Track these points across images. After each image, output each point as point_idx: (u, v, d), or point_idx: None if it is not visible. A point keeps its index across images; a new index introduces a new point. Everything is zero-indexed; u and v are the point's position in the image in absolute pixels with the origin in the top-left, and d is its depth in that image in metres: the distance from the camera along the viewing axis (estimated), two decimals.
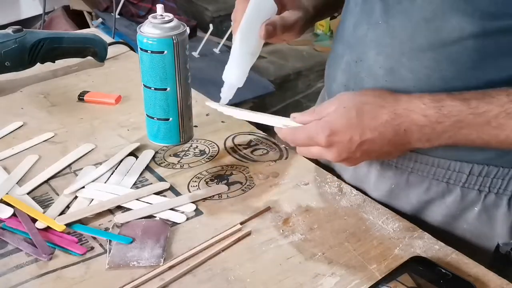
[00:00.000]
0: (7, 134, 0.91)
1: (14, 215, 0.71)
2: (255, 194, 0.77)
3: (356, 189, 0.78)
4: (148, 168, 0.83)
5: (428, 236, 0.69)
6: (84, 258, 0.65)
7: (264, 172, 0.82)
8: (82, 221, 0.71)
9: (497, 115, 0.61)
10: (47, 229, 0.69)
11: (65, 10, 2.60)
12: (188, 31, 0.85)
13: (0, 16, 2.33)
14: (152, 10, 2.52)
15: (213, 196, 0.76)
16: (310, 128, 0.68)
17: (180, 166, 0.84)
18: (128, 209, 0.74)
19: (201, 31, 2.68)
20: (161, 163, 0.84)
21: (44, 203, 0.74)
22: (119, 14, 2.44)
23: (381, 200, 0.77)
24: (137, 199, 0.75)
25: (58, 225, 0.69)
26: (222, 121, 0.95)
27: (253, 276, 0.63)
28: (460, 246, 0.68)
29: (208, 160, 0.85)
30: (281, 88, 2.71)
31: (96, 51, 1.13)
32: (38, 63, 1.07)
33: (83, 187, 0.77)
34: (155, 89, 0.84)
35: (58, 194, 0.76)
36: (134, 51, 1.23)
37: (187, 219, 0.72)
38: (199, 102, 1.00)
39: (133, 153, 0.86)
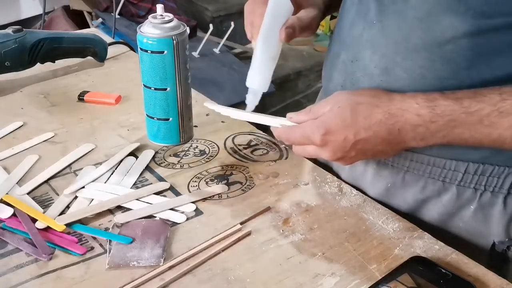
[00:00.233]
0: (7, 134, 0.91)
1: (14, 215, 0.71)
2: (255, 194, 0.77)
3: (358, 189, 0.78)
4: (148, 168, 0.83)
5: (428, 236, 0.69)
6: (84, 258, 0.65)
7: (264, 172, 0.82)
8: (82, 221, 0.71)
9: (489, 113, 0.61)
10: (47, 229, 0.69)
11: (65, 10, 2.60)
12: (188, 31, 0.85)
13: (0, 16, 2.33)
14: (152, 10, 2.52)
15: (213, 196, 0.76)
16: (305, 127, 0.68)
17: (180, 166, 0.84)
18: (128, 209, 0.74)
19: (201, 31, 2.67)
20: (161, 163, 0.84)
21: (44, 203, 0.74)
22: (119, 14, 2.44)
23: (377, 199, 0.77)
24: (137, 199, 0.75)
25: (58, 225, 0.69)
26: (222, 121, 0.95)
27: (253, 276, 0.63)
28: (456, 244, 0.68)
29: (208, 160, 0.85)
30: (281, 88, 2.71)
31: (96, 51, 1.13)
32: (38, 63, 1.07)
33: (83, 187, 0.77)
34: (155, 89, 0.84)
35: (58, 194, 0.76)
36: (134, 51, 1.23)
37: (187, 219, 0.72)
38: (199, 102, 1.00)
39: (133, 153, 0.86)
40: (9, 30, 1.02)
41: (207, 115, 0.97)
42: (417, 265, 0.63)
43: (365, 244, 0.68)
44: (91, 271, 0.64)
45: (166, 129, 0.87)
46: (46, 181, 0.79)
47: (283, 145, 0.88)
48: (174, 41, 0.81)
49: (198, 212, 0.73)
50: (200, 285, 0.62)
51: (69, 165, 0.83)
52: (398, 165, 0.75)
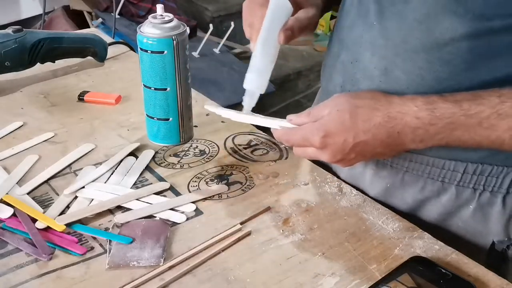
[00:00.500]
0: (7, 134, 0.91)
1: (14, 215, 0.71)
2: (255, 194, 0.77)
3: (358, 189, 0.78)
4: (148, 168, 0.83)
5: (428, 236, 0.69)
6: (84, 258, 0.65)
7: (264, 172, 0.82)
8: (82, 221, 0.71)
9: (488, 116, 0.62)
10: (47, 229, 0.69)
11: (65, 10, 2.60)
12: (188, 31, 0.85)
13: (0, 16, 2.33)
14: (152, 10, 2.52)
15: (213, 196, 0.76)
16: (305, 129, 0.69)
17: (180, 166, 0.84)
18: (128, 209, 0.74)
19: (201, 31, 2.68)
20: (161, 163, 0.84)
21: (44, 203, 0.74)
22: (119, 14, 2.44)
23: (376, 199, 0.77)
24: (137, 199, 0.75)
25: (58, 225, 0.69)
26: (222, 121, 0.95)
27: (253, 276, 0.63)
28: (456, 244, 0.68)
29: (208, 160, 0.85)
30: (281, 88, 2.71)
31: (96, 51, 1.13)
32: (38, 63, 1.07)
33: (83, 187, 0.77)
34: (155, 89, 0.84)
35: (58, 194, 0.76)
36: (134, 51, 1.23)
37: (187, 219, 0.72)
38: (199, 102, 1.00)
39: (133, 153, 0.86)
40: (9, 30, 1.02)
41: (207, 115, 0.97)
42: (417, 265, 0.63)
43: (365, 244, 0.68)
44: (91, 271, 0.64)
45: (166, 129, 0.87)
46: (46, 181, 0.79)
47: (283, 145, 0.88)
48: (174, 41, 0.81)
49: (198, 212, 0.73)
50: (200, 285, 0.62)
51: (69, 165, 0.83)
52: (397, 165, 0.75)
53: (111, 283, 0.62)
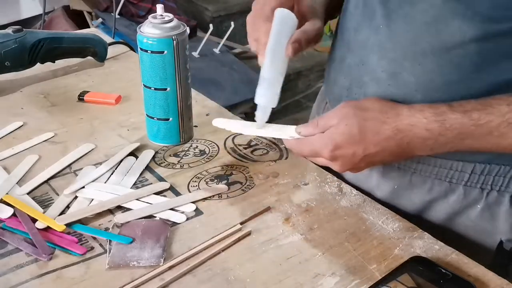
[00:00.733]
0: (7, 134, 0.91)
1: (14, 215, 0.71)
2: (255, 194, 0.77)
3: (358, 189, 0.78)
4: (148, 168, 0.83)
5: (428, 236, 0.69)
6: (84, 258, 0.65)
7: (264, 172, 0.82)
8: (82, 221, 0.71)
9: (498, 125, 0.62)
10: (47, 229, 0.69)
11: (65, 10, 2.60)
12: (188, 31, 0.85)
13: (0, 16, 2.33)
14: (152, 10, 2.52)
15: (213, 196, 0.76)
16: (315, 142, 0.69)
17: (180, 166, 0.84)
18: (128, 209, 0.74)
19: (201, 31, 2.68)
20: (161, 163, 0.84)
21: (44, 203, 0.74)
22: (119, 14, 2.44)
23: (383, 200, 0.77)
24: (137, 199, 0.75)
25: (58, 225, 0.69)
26: None
27: (253, 276, 0.63)
28: (463, 243, 0.68)
29: (208, 160, 0.85)
30: (281, 88, 2.71)
31: (96, 51, 1.13)
32: (38, 63, 1.07)
33: (83, 187, 0.77)
34: (155, 89, 0.84)
35: (58, 194, 0.76)
36: (134, 51, 1.23)
37: (187, 219, 0.72)
38: (199, 102, 1.01)
39: (133, 153, 0.86)
40: (9, 30, 1.02)
41: (207, 115, 0.97)
42: (417, 265, 0.63)
43: (365, 244, 0.68)
44: (91, 271, 0.64)
45: (166, 129, 0.87)
46: (46, 181, 0.79)
47: (283, 145, 0.88)
48: (174, 41, 0.81)
49: (198, 212, 0.73)
50: (200, 285, 0.62)
51: (69, 165, 0.83)
52: (404, 167, 0.75)
53: (111, 283, 0.62)
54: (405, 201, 0.77)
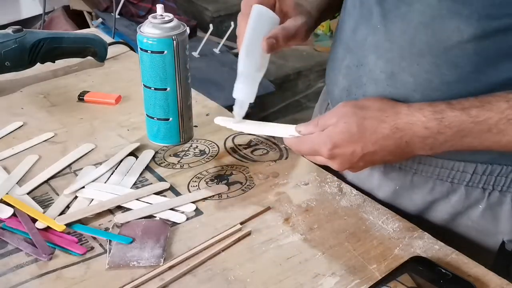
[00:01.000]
0: (7, 134, 0.91)
1: (14, 215, 0.71)
2: (255, 194, 0.77)
3: (359, 190, 0.78)
4: (148, 168, 0.83)
5: (428, 236, 0.69)
6: (84, 258, 0.65)
7: (264, 172, 0.82)
8: (82, 221, 0.71)
9: (497, 122, 0.62)
10: (47, 229, 0.69)
11: (65, 10, 2.60)
12: (188, 31, 0.85)
13: (0, 16, 2.33)
14: (152, 10, 2.52)
15: (213, 196, 0.76)
16: (313, 140, 0.69)
17: (180, 166, 0.84)
18: (128, 209, 0.74)
19: (201, 31, 2.68)
20: (161, 163, 0.84)
21: (44, 203, 0.74)
22: (119, 14, 2.44)
23: (385, 201, 0.77)
24: (137, 199, 0.75)
25: (58, 225, 0.69)
26: None
27: (253, 276, 0.63)
28: (465, 244, 0.68)
29: (208, 160, 0.85)
30: (281, 88, 2.71)
31: (96, 51, 1.13)
32: (38, 63, 1.07)
33: (83, 187, 0.77)
34: (155, 89, 0.84)
35: (58, 194, 0.76)
36: (134, 51, 1.23)
37: (187, 219, 0.72)
38: (199, 102, 1.01)
39: (133, 153, 0.86)
40: (9, 30, 1.02)
41: (207, 115, 0.97)
42: (417, 265, 0.63)
43: (365, 244, 0.68)
44: (91, 271, 0.64)
45: (166, 129, 0.87)
46: (46, 181, 0.79)
47: (283, 145, 0.88)
48: (174, 41, 0.81)
49: (198, 212, 0.73)
50: (200, 285, 0.62)
51: (69, 165, 0.83)
52: (406, 167, 0.75)
53: (111, 283, 0.62)
54: (407, 201, 0.76)
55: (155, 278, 0.63)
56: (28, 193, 0.76)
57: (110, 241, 0.68)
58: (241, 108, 0.76)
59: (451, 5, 0.63)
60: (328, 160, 0.69)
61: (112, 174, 0.81)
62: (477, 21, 0.62)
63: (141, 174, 0.81)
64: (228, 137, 0.91)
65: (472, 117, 0.62)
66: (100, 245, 0.68)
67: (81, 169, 0.82)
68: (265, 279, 0.63)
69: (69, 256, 0.66)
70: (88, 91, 1.03)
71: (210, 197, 0.76)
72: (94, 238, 0.68)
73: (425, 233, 0.69)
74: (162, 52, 0.81)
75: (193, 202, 0.75)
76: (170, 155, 0.86)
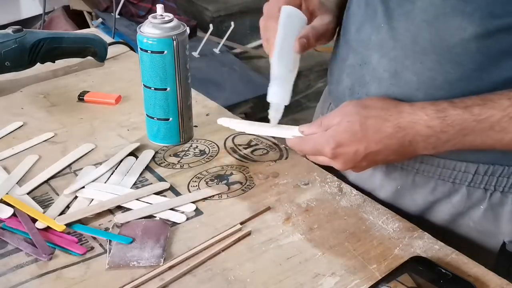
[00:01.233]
0: (7, 134, 0.91)
1: (14, 215, 0.71)
2: (255, 194, 0.77)
3: (361, 190, 0.78)
4: (148, 168, 0.83)
5: (428, 236, 0.69)
6: (84, 258, 0.65)
7: (264, 172, 0.82)
8: (82, 221, 0.71)
9: (499, 119, 0.62)
10: (47, 229, 0.69)
11: (65, 10, 2.60)
12: (188, 31, 0.85)
13: (0, 16, 2.33)
14: (152, 10, 2.52)
15: (213, 196, 0.76)
16: (316, 139, 0.69)
17: (180, 166, 0.84)
18: (128, 209, 0.74)
19: (201, 31, 2.68)
20: (161, 163, 0.84)
21: (44, 203, 0.74)
22: (119, 14, 2.44)
23: (386, 201, 0.77)
24: (137, 199, 0.75)
25: (58, 225, 0.69)
26: None
27: (253, 276, 0.63)
28: (465, 244, 0.68)
29: (208, 160, 0.85)
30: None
31: (96, 51, 1.13)
32: (38, 63, 1.07)
33: (83, 187, 0.77)
34: (155, 89, 0.84)
35: (58, 194, 0.76)
36: (134, 51, 1.23)
37: (187, 219, 0.72)
38: (199, 102, 1.01)
39: (133, 153, 0.86)
40: (9, 30, 1.02)
41: (207, 115, 0.97)
42: (417, 265, 0.63)
43: (365, 244, 0.68)
44: (91, 271, 0.64)
45: (166, 129, 0.87)
46: (46, 181, 0.79)
47: (283, 145, 0.88)
48: (174, 41, 0.81)
49: (198, 212, 0.73)
50: (200, 285, 0.62)
51: (69, 165, 0.83)
52: (407, 167, 0.75)
53: (111, 283, 0.62)
54: (408, 201, 0.76)
55: (155, 278, 0.63)
56: (28, 193, 0.76)
57: (110, 241, 0.68)
58: (276, 111, 0.75)
59: (454, 3, 0.63)
60: (331, 160, 0.69)
61: (112, 174, 0.81)
62: (479, 19, 0.62)
63: (141, 174, 0.81)
64: (228, 137, 0.91)
65: (474, 115, 0.62)
66: (100, 245, 0.68)
67: (81, 169, 0.82)
68: (265, 279, 0.63)
69: (69, 256, 0.66)
70: (88, 91, 1.03)
71: (210, 197, 0.76)
72: (94, 238, 0.68)
73: (425, 233, 0.69)
74: (162, 52, 0.81)
75: (193, 202, 0.75)
76: (170, 155, 0.86)
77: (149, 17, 0.82)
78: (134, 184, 0.79)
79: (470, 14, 0.62)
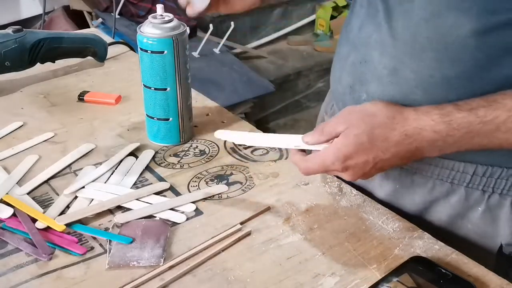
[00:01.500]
0: (7, 134, 0.91)
1: (14, 215, 0.71)
2: (255, 194, 0.77)
3: (360, 190, 0.78)
4: (148, 168, 0.83)
5: (428, 236, 0.69)
6: (84, 258, 0.66)
7: (264, 172, 0.82)
8: (82, 221, 0.71)
9: (505, 120, 0.61)
10: (47, 229, 0.69)
11: (65, 10, 2.60)
12: (188, 31, 0.85)
13: (0, 16, 2.33)
14: (152, 10, 2.52)
15: (213, 196, 0.76)
16: (324, 157, 0.67)
17: (180, 166, 0.84)
18: (128, 209, 0.74)
19: (201, 31, 2.67)
20: (161, 163, 0.84)
21: (44, 203, 0.74)
22: (119, 14, 2.44)
23: (385, 200, 0.77)
24: (137, 199, 0.75)
25: (58, 225, 0.69)
26: (222, 121, 0.95)
27: (253, 276, 0.63)
28: (464, 246, 0.68)
29: (208, 160, 0.85)
30: (281, 88, 2.70)
31: (96, 51, 1.13)
32: (38, 63, 1.07)
33: (83, 187, 0.77)
34: (155, 89, 0.84)
35: (58, 194, 0.76)
36: (134, 51, 1.23)
37: (187, 219, 0.72)
38: (199, 102, 1.01)
39: (133, 153, 0.86)
40: (9, 30, 1.02)
41: (207, 115, 0.97)
42: (417, 265, 0.63)
43: (365, 244, 0.68)
44: (91, 271, 0.64)
45: (166, 129, 0.87)
46: (46, 181, 0.79)
47: None
48: (174, 41, 0.81)
49: (198, 212, 0.73)
50: (200, 285, 0.62)
51: (69, 165, 0.83)
52: (406, 167, 0.75)
53: (111, 283, 0.62)
54: (407, 201, 0.76)
55: (155, 278, 0.63)
56: (28, 193, 0.76)
57: (110, 241, 0.68)
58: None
59: (451, 0, 0.63)
60: (341, 173, 0.68)
61: (112, 174, 0.81)
62: (476, 16, 0.62)
63: (141, 174, 0.81)
64: None
65: (479, 117, 0.62)
66: (100, 245, 0.68)
67: (81, 169, 0.82)
68: (265, 279, 0.63)
69: (69, 256, 0.66)
70: (88, 91, 1.03)
71: (210, 197, 0.76)
72: (94, 238, 0.68)
73: (425, 233, 0.69)
74: (162, 52, 0.81)
75: (193, 202, 0.75)
76: (170, 155, 0.86)
77: (149, 17, 0.82)
78: (134, 184, 0.79)
79: (466, 10, 0.63)
